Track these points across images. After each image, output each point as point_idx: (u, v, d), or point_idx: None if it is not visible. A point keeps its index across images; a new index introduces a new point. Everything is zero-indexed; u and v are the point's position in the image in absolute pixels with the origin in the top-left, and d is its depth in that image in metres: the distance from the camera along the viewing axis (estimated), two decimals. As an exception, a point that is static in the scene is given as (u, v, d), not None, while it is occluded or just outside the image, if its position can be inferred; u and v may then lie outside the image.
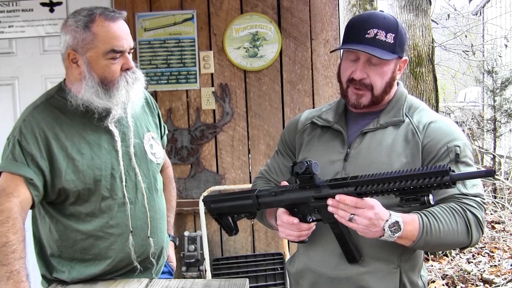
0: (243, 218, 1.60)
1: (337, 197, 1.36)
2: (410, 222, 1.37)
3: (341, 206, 1.36)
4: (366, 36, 1.48)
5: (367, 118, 1.58)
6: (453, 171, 1.26)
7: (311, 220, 1.48)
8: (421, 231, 1.38)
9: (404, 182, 1.28)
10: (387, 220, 1.35)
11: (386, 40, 1.48)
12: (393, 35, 1.49)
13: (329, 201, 1.38)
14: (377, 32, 1.48)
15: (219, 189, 3.16)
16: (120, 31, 1.62)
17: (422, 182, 1.25)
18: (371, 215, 1.33)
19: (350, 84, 1.53)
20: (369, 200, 1.35)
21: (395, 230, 1.35)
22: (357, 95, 1.53)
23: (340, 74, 1.59)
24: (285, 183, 1.57)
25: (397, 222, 1.35)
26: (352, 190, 1.35)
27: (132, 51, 1.68)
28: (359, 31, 1.50)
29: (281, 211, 1.52)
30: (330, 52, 1.61)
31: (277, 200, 1.51)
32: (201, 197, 3.06)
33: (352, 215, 1.35)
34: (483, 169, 1.28)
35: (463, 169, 1.45)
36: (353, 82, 1.52)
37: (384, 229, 1.35)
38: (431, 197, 1.28)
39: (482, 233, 1.45)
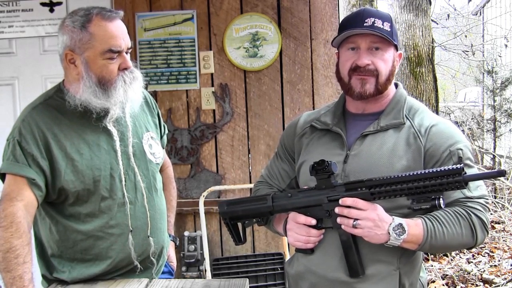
0: (254, 223, 1.61)
1: (341, 200, 1.40)
2: (414, 226, 1.39)
3: (345, 211, 1.39)
4: (365, 24, 1.50)
5: (366, 120, 1.57)
6: (465, 173, 1.28)
7: (320, 226, 1.49)
8: (426, 234, 1.39)
9: (417, 182, 1.30)
10: (390, 224, 1.37)
11: (384, 28, 1.50)
12: (389, 24, 1.52)
13: (336, 209, 1.42)
14: (374, 20, 1.50)
15: (219, 189, 3.16)
16: (117, 30, 1.62)
17: (435, 181, 1.28)
18: (374, 216, 1.37)
19: (352, 74, 1.52)
20: (372, 203, 1.38)
21: (400, 232, 1.37)
22: (361, 82, 1.51)
23: (339, 70, 1.58)
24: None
25: (400, 224, 1.37)
26: (367, 191, 1.37)
27: (129, 50, 1.68)
28: (356, 21, 1.52)
29: (294, 212, 1.53)
30: (332, 42, 1.61)
31: (291, 202, 1.52)
32: (201, 197, 3.06)
33: (356, 221, 1.37)
34: (494, 170, 1.31)
35: (466, 171, 1.45)
36: (356, 71, 1.51)
37: (389, 232, 1.37)
38: (441, 201, 1.30)
39: (487, 233, 1.46)
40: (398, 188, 1.33)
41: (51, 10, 3.16)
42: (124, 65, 1.64)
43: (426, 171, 1.31)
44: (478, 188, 1.45)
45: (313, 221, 1.49)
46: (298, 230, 1.51)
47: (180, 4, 3.16)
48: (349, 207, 1.40)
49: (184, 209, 3.15)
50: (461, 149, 1.47)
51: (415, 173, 1.32)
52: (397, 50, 1.56)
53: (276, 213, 1.58)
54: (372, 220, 1.37)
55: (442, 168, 1.30)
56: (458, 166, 1.28)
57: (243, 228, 1.66)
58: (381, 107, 1.58)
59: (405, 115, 1.54)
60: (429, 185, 1.29)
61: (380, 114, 1.56)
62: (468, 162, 1.47)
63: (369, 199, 1.40)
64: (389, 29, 1.51)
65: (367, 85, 1.51)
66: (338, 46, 1.60)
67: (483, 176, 1.36)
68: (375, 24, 1.49)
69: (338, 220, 1.42)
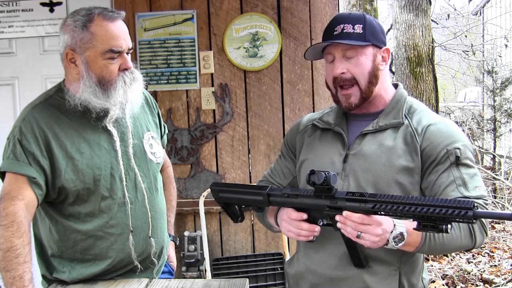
0: (250, 210, 1.59)
1: (344, 213, 1.36)
2: (414, 231, 1.36)
3: (348, 223, 1.36)
4: (334, 33, 1.51)
5: (367, 120, 1.58)
6: (477, 208, 1.22)
7: (321, 223, 1.47)
8: (424, 238, 1.38)
9: (425, 209, 1.24)
10: (391, 232, 1.35)
11: (355, 31, 1.50)
12: (361, 25, 1.51)
13: (337, 217, 1.39)
14: (344, 26, 1.51)
15: (219, 189, 3.16)
16: (118, 31, 1.62)
17: (444, 213, 1.22)
18: (379, 232, 1.34)
19: (336, 87, 1.55)
20: (377, 217, 1.34)
21: (399, 240, 1.36)
22: (345, 97, 1.54)
23: (327, 82, 1.60)
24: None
25: (401, 233, 1.35)
26: (369, 207, 1.33)
27: (130, 51, 1.68)
28: (328, 31, 1.55)
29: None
30: (304, 56, 1.65)
31: (289, 202, 1.49)
32: (201, 197, 3.06)
33: (360, 233, 1.34)
34: (508, 212, 1.24)
35: (464, 171, 1.44)
36: (336, 82, 1.54)
37: (388, 240, 1.35)
38: (449, 226, 1.24)
39: (486, 235, 1.44)
40: (403, 211, 1.27)
41: (51, 10, 3.16)
42: (124, 65, 1.64)
43: (435, 200, 1.24)
44: (477, 189, 1.44)
45: (304, 216, 1.46)
46: (290, 222, 1.50)
47: (180, 4, 3.16)
48: None
49: (184, 209, 3.15)
50: (458, 148, 1.45)
51: (424, 199, 1.26)
52: (380, 47, 1.54)
53: (272, 206, 1.57)
54: (378, 235, 1.34)
55: (453, 200, 1.23)
56: (470, 201, 1.21)
57: (239, 207, 1.62)
58: (381, 107, 1.58)
59: (404, 115, 1.54)
60: (437, 215, 1.23)
61: (380, 113, 1.57)
62: (466, 161, 1.46)
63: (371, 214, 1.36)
64: (361, 31, 1.50)
65: (351, 98, 1.53)
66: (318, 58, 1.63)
67: (495, 215, 1.33)
68: (344, 31, 1.50)
69: (339, 225, 1.39)
